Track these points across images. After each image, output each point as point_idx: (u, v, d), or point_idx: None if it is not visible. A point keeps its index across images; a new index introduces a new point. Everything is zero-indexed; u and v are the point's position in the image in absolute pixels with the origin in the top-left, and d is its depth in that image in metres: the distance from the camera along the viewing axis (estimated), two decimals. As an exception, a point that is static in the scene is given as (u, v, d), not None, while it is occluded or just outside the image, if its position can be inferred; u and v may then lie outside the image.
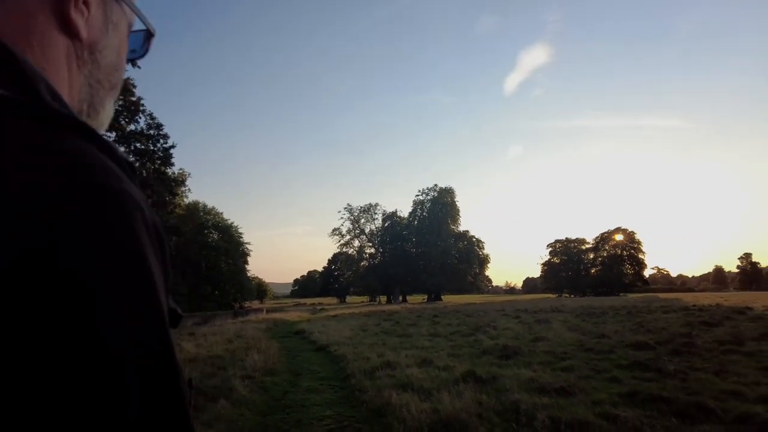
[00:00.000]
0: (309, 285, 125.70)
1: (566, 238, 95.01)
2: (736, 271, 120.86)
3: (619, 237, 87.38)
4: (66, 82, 0.47)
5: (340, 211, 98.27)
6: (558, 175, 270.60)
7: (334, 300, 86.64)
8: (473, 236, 79.78)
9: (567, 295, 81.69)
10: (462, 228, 79.35)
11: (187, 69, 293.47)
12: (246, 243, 44.37)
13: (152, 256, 0.35)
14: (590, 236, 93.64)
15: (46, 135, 0.34)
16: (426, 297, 74.50)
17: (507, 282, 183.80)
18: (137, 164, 27.70)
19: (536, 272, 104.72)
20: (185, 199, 36.69)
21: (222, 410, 5.71)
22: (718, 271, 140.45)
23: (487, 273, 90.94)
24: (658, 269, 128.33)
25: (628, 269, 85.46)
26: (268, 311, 36.31)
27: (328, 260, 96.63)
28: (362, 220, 78.14)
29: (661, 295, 54.78)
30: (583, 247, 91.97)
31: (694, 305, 23.13)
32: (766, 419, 4.64)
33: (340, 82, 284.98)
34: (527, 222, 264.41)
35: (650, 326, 13.85)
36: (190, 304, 31.96)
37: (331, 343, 12.23)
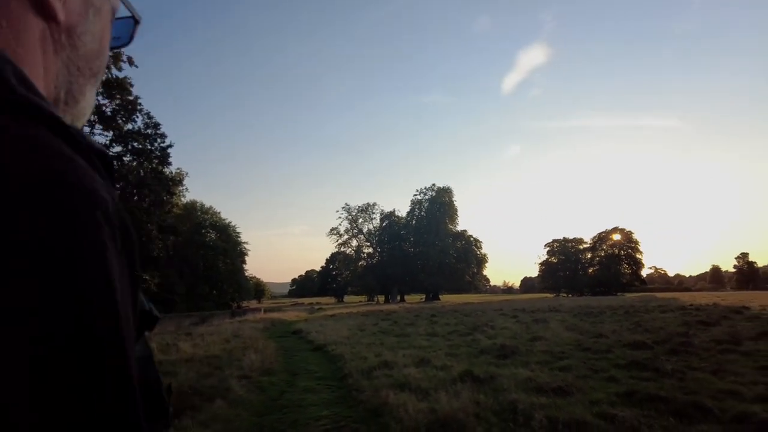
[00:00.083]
0: (307, 285, 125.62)
1: (564, 237, 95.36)
2: (733, 270, 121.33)
3: (616, 237, 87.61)
4: (40, 66, 0.43)
5: (338, 211, 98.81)
6: (556, 175, 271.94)
7: (331, 299, 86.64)
8: (471, 236, 79.83)
9: (564, 295, 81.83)
10: (460, 227, 79.48)
11: (186, 68, 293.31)
12: (244, 242, 44.21)
13: (113, 259, 0.32)
14: (588, 236, 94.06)
15: None
16: (424, 296, 74.53)
17: (505, 281, 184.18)
18: (134, 164, 27.60)
19: (534, 272, 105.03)
20: (183, 199, 36.52)
21: (218, 410, 5.69)
22: (715, 270, 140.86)
23: (484, 272, 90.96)
24: (656, 269, 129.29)
25: (626, 269, 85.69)
26: (265, 311, 36.29)
27: (326, 260, 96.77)
28: (360, 220, 78.16)
29: (659, 295, 54.96)
30: (581, 247, 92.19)
31: (691, 305, 23.22)
32: (763, 419, 4.64)
33: (339, 82, 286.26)
34: (525, 221, 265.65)
35: (648, 326, 13.89)
36: (188, 303, 31.82)
37: (328, 342, 12.22)
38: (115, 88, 24.98)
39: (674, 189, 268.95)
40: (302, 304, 63.44)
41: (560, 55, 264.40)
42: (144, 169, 27.76)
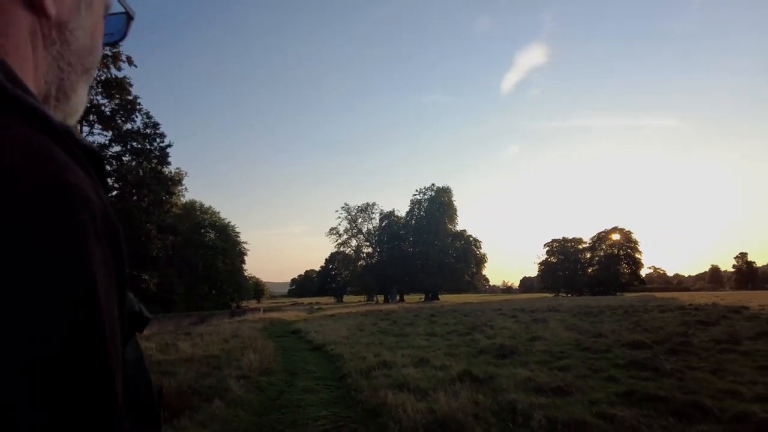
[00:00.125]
0: (306, 284, 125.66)
1: (563, 237, 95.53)
2: (732, 270, 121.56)
3: (615, 236, 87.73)
4: (30, 62, 0.42)
5: (337, 211, 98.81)
6: (555, 175, 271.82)
7: (331, 299, 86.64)
8: (470, 235, 79.92)
9: (564, 295, 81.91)
10: (459, 227, 79.57)
11: (186, 68, 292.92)
12: (243, 242, 44.22)
13: (98, 260, 0.31)
14: (587, 236, 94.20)
15: None
16: (423, 296, 74.55)
17: (504, 281, 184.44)
18: (133, 163, 27.57)
19: (533, 272, 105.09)
20: (182, 199, 36.56)
21: (217, 410, 5.68)
22: (715, 270, 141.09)
23: (484, 272, 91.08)
24: (655, 269, 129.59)
25: (625, 269, 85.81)
26: (265, 311, 36.28)
27: (326, 260, 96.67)
28: (360, 220, 78.21)
29: (658, 295, 55.05)
30: (580, 247, 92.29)
31: (690, 304, 23.24)
32: (763, 418, 4.63)
33: (339, 82, 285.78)
34: (524, 221, 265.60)
35: (647, 325, 13.90)
36: (187, 303, 31.81)
37: (327, 342, 12.21)
38: (115, 87, 24.98)
39: (674, 189, 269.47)
40: (301, 303, 63.44)
41: (560, 55, 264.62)
42: (143, 169, 27.75)
